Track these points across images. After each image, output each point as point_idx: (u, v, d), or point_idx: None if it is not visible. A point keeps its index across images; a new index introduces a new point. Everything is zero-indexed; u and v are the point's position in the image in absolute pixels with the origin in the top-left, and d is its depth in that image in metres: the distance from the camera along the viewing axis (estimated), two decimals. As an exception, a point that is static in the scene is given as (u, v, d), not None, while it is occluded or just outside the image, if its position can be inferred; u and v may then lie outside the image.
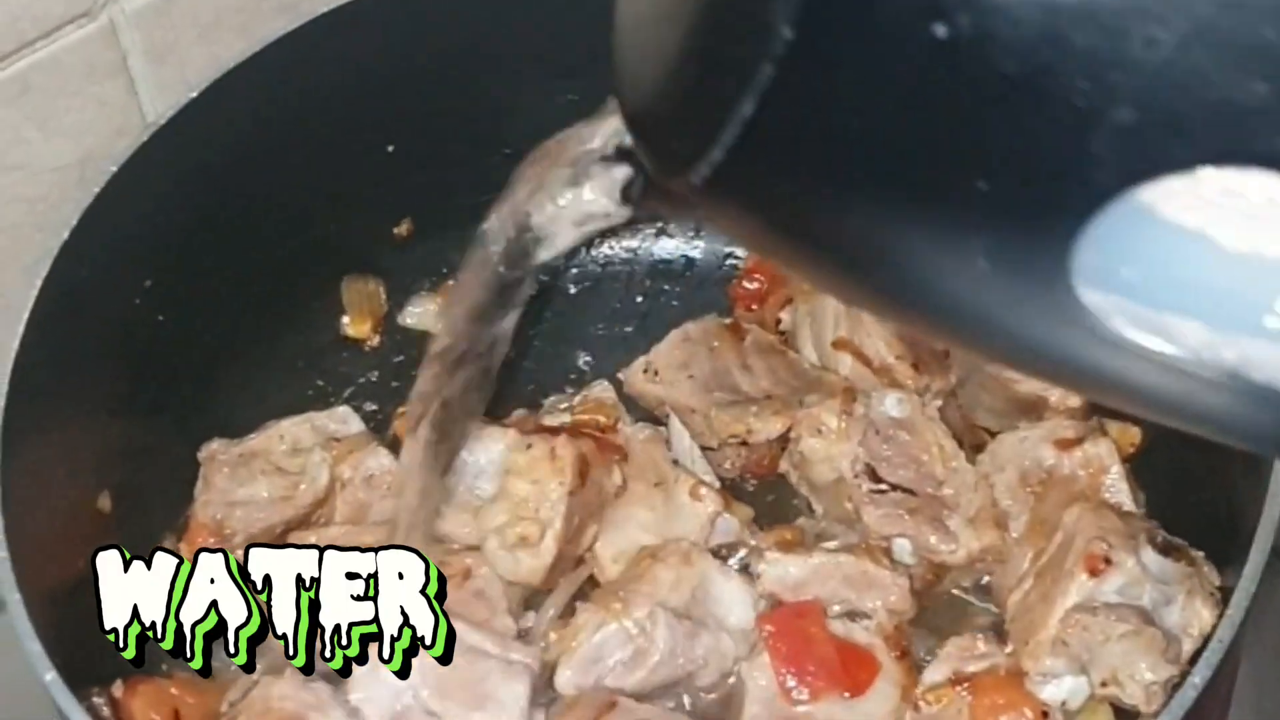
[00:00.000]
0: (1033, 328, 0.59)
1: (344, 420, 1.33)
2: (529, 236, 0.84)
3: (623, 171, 0.78)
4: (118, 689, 1.11)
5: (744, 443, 1.32)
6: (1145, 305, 0.55)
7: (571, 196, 0.81)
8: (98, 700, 1.09)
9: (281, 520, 1.25)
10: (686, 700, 1.18)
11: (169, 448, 1.31)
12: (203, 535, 1.24)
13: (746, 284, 1.46)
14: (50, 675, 0.98)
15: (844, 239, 0.61)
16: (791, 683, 1.15)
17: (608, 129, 0.78)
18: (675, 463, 1.29)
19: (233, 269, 1.34)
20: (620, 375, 1.39)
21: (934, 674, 1.17)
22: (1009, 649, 1.18)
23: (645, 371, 1.38)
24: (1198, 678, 0.98)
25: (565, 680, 1.15)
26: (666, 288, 1.51)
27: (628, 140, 0.75)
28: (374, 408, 1.37)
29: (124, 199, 1.21)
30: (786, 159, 0.59)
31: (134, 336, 1.27)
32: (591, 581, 1.24)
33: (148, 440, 1.30)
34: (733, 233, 0.69)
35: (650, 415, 1.37)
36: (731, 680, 1.18)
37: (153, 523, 1.27)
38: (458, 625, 1.13)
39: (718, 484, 1.29)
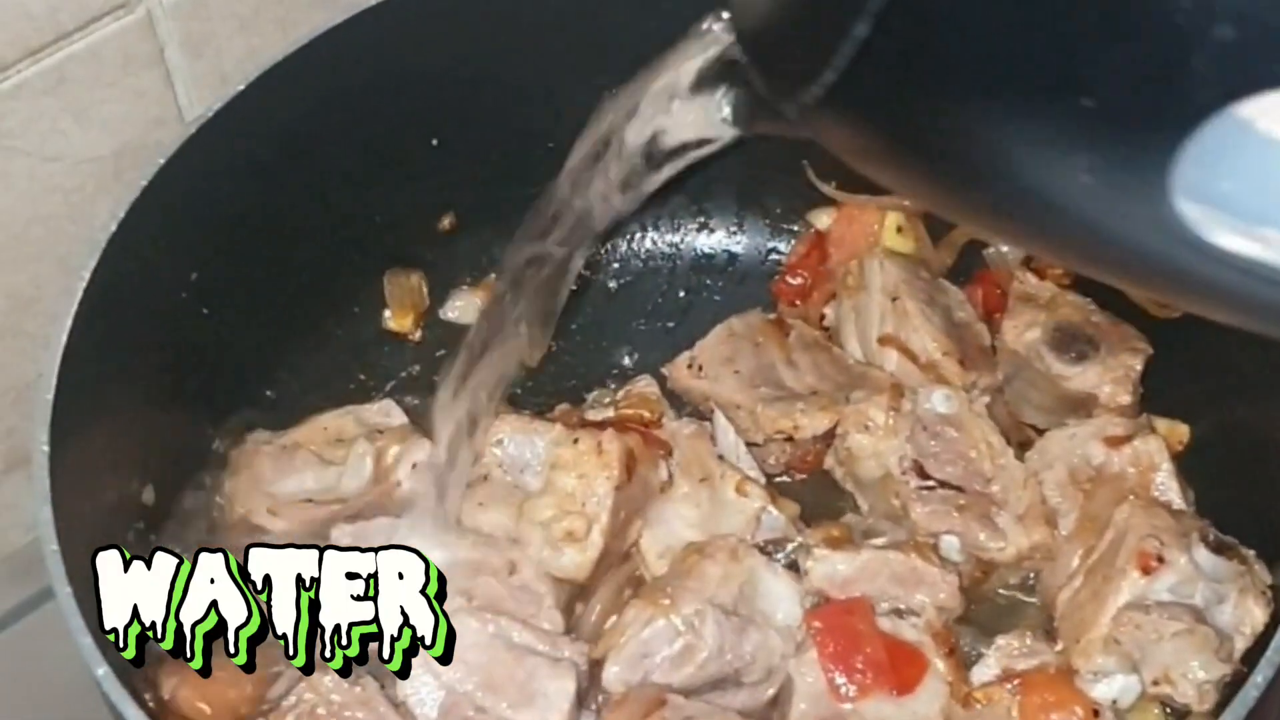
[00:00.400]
0: (1134, 239, 0.61)
1: (387, 413, 1.33)
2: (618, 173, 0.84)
3: (726, 92, 0.78)
4: (167, 684, 1.11)
5: (789, 438, 1.31)
6: (1242, 217, 0.57)
7: (672, 119, 0.81)
8: (145, 696, 1.08)
9: (326, 512, 1.25)
10: (734, 697, 1.17)
11: (211, 441, 1.31)
12: (242, 529, 1.23)
13: (790, 280, 1.45)
14: (103, 670, 0.98)
15: (952, 156, 0.62)
16: (840, 680, 1.15)
17: (707, 49, 0.79)
18: (720, 458, 1.28)
19: (276, 263, 1.34)
20: (664, 370, 1.39)
21: (983, 672, 1.16)
22: (1059, 647, 1.17)
23: (690, 367, 1.37)
24: (1260, 677, 0.97)
25: (613, 676, 1.14)
26: (709, 283, 1.51)
27: (732, 57, 0.76)
28: (415, 401, 1.36)
29: (169, 192, 1.20)
30: (898, 78, 0.61)
31: (179, 330, 1.27)
32: (637, 578, 1.24)
33: (191, 433, 1.30)
34: (842, 149, 0.70)
35: (694, 410, 1.36)
36: (778, 677, 1.17)
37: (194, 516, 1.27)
38: (504, 622, 1.15)
39: (763, 480, 1.29)
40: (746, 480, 1.26)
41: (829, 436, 1.30)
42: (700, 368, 1.37)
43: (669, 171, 0.87)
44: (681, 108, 0.81)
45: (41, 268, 1.35)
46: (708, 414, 1.34)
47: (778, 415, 1.31)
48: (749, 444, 1.31)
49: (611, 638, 1.16)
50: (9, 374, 1.37)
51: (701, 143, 0.82)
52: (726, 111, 0.79)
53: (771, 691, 1.17)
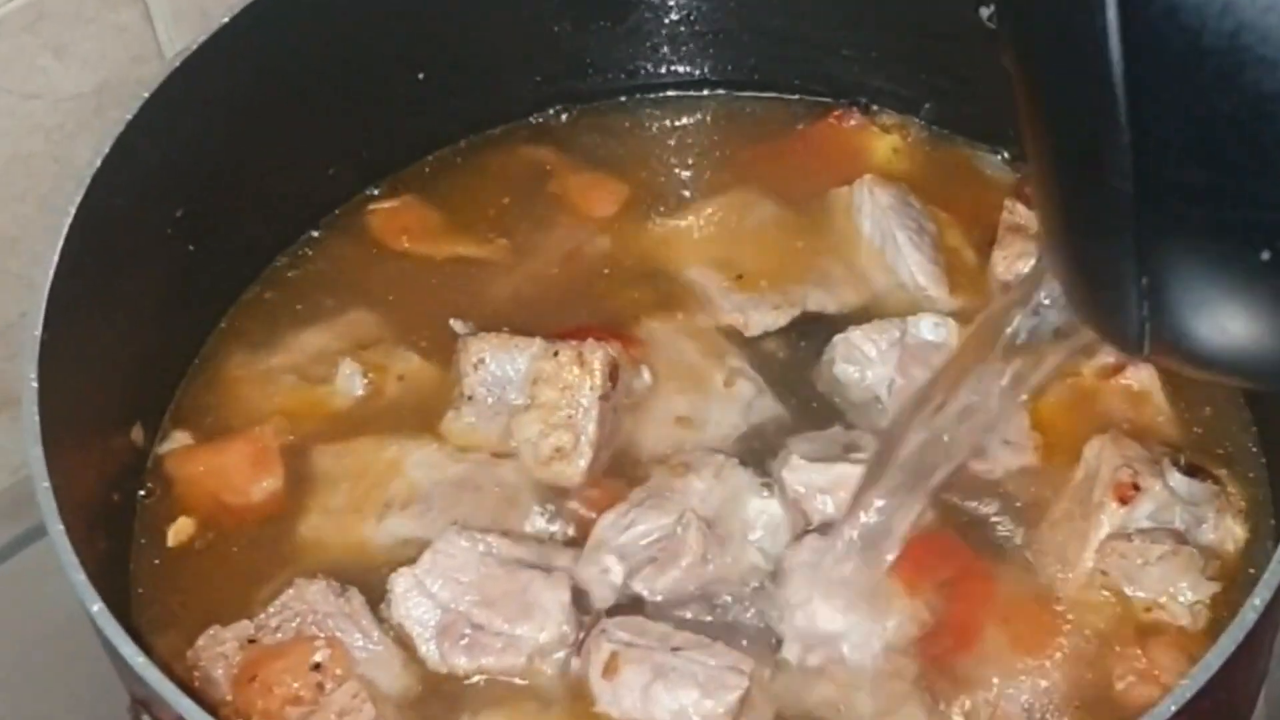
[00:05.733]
0: None
1: (366, 326, 1.33)
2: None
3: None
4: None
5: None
6: None
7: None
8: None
9: (314, 429, 1.26)
10: (707, 616, 1.16)
11: (200, 377, 1.31)
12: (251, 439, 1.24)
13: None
14: (97, 606, 0.98)
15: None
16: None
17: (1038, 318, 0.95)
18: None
19: (263, 198, 1.33)
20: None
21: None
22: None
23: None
24: (1258, 599, 0.96)
25: (592, 579, 1.15)
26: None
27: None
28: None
29: (152, 129, 1.19)
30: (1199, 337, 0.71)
31: (165, 266, 1.26)
32: (626, 483, 1.23)
33: (179, 371, 1.30)
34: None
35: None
36: (753, 602, 1.16)
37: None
38: (493, 539, 1.16)
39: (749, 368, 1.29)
40: (733, 373, 1.27)
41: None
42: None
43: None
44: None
45: (23, 207, 1.34)
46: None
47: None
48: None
49: (595, 542, 1.16)
50: (-7, 314, 1.37)
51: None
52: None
53: (746, 617, 1.16)
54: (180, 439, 1.26)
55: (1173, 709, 0.92)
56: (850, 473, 1.17)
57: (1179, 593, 1.13)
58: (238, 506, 1.22)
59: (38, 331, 1.07)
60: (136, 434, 1.24)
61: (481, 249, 1.38)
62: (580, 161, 1.45)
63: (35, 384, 1.05)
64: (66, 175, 1.15)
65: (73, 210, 1.12)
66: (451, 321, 1.32)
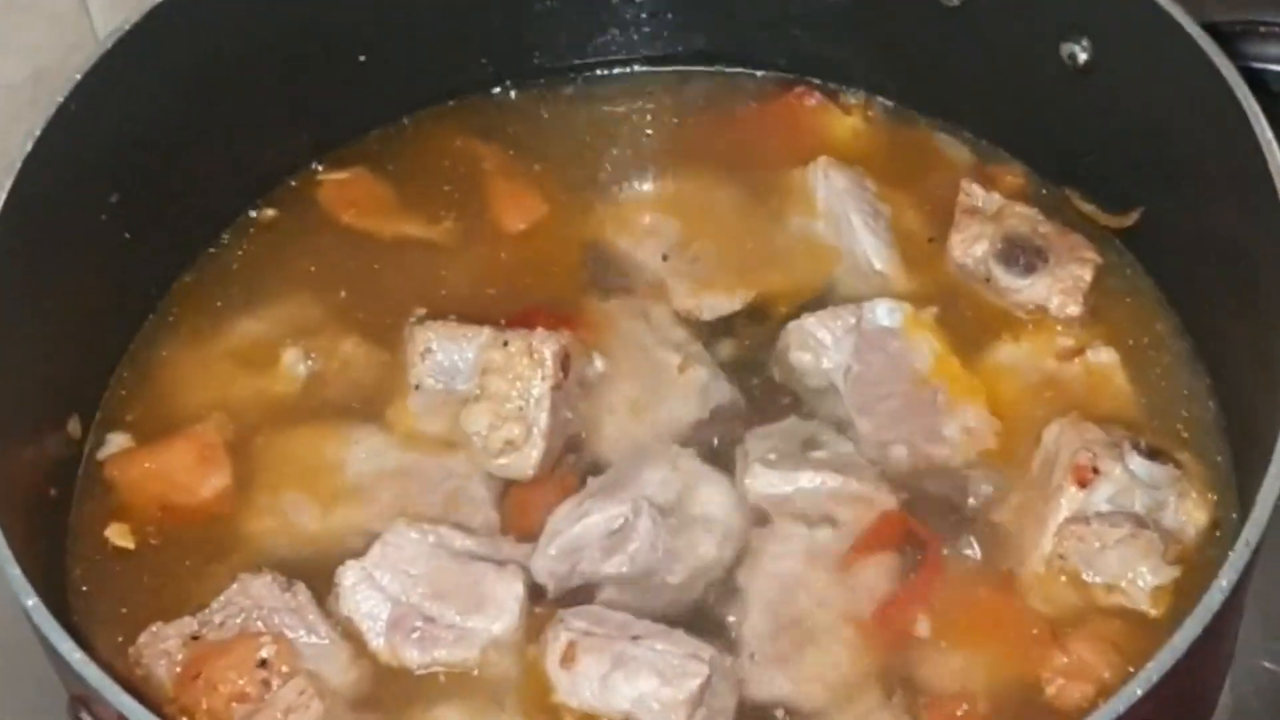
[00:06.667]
0: None
1: (303, 310, 1.31)
2: None
3: None
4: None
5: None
6: None
7: None
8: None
9: (256, 419, 1.25)
10: (658, 597, 1.15)
11: (137, 368, 1.28)
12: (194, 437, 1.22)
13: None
14: (32, 601, 0.96)
15: None
16: None
17: None
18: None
19: (201, 178, 1.31)
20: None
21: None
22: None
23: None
24: (1224, 581, 0.96)
25: (541, 568, 1.14)
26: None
27: None
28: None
29: (86, 112, 1.17)
30: None
31: (101, 254, 1.24)
32: (578, 473, 1.22)
33: (115, 362, 1.28)
34: None
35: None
36: (704, 580, 1.16)
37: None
38: (444, 530, 1.15)
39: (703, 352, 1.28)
40: (688, 358, 1.26)
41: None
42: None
43: None
44: None
45: (-42, 196, 1.31)
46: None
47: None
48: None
49: (549, 533, 1.15)
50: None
51: None
52: None
53: (694, 596, 1.16)
54: (119, 442, 1.23)
55: (1138, 693, 0.92)
56: (813, 479, 1.18)
57: (1138, 577, 1.12)
58: (185, 506, 1.20)
59: (-33, 318, 1.05)
60: (73, 427, 1.22)
61: (428, 230, 1.36)
62: (529, 142, 1.43)
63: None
64: (0, 166, 1.14)
65: (3, 195, 1.10)
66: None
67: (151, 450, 1.22)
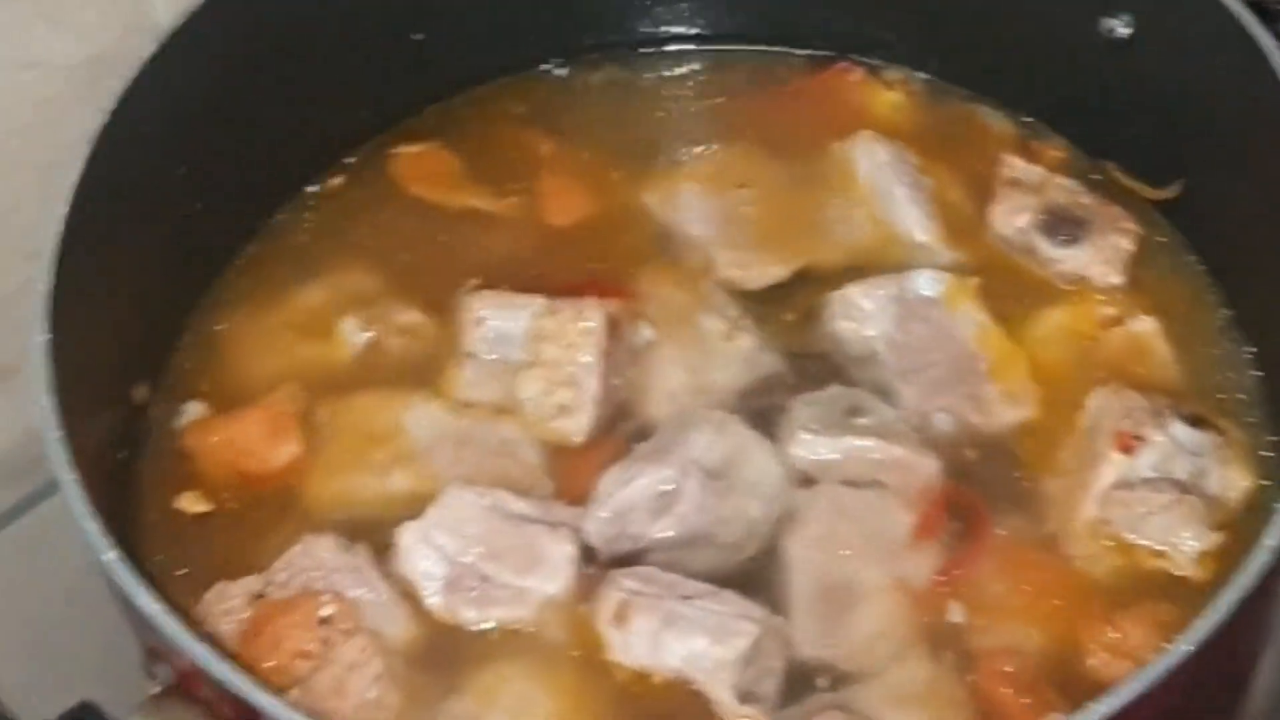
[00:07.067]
0: None
1: (360, 280, 1.33)
2: None
3: None
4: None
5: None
6: None
7: None
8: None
9: (317, 387, 1.26)
10: (704, 556, 1.17)
11: (206, 337, 1.31)
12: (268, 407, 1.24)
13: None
14: (109, 555, 0.98)
15: None
16: None
17: None
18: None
19: (262, 155, 1.34)
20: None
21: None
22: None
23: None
24: (1270, 539, 0.96)
25: (593, 531, 1.15)
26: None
27: None
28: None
29: (155, 87, 1.19)
30: None
31: (169, 224, 1.26)
32: (629, 438, 1.24)
33: (181, 330, 1.30)
34: None
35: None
36: (752, 545, 1.17)
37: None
38: (499, 493, 1.16)
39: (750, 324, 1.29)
40: (735, 327, 1.27)
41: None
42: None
43: None
44: None
45: (21, 177, 1.33)
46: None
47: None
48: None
49: (599, 496, 1.17)
50: (-11, 285, 1.36)
51: None
52: None
53: (741, 558, 1.17)
54: (195, 411, 1.25)
55: (1191, 649, 0.92)
56: (857, 445, 1.19)
57: (1182, 542, 1.13)
58: (256, 473, 1.22)
59: (44, 286, 1.08)
60: (139, 393, 1.24)
61: (493, 203, 1.38)
62: (579, 119, 1.45)
63: (46, 336, 1.06)
64: (62, 146, 1.15)
65: (78, 173, 1.13)
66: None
67: (226, 419, 1.24)
